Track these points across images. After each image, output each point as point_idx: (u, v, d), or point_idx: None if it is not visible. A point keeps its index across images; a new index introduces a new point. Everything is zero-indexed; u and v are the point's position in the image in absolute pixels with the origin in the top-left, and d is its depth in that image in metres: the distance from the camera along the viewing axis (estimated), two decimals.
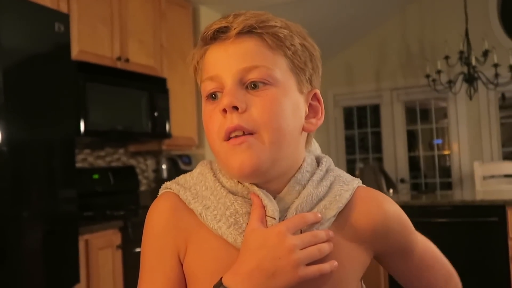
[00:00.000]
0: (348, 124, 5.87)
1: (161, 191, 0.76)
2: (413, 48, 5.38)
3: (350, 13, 4.81)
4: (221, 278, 0.65)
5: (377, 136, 5.73)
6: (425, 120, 5.63)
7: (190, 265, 0.70)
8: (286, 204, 0.70)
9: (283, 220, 0.68)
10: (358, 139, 5.88)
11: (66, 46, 2.22)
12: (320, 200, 0.71)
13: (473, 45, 4.50)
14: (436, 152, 5.61)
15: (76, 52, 2.66)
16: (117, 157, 3.47)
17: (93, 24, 2.85)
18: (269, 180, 0.70)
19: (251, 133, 0.66)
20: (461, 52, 4.48)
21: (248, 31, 0.68)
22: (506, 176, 4.47)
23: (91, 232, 2.46)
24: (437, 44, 5.05)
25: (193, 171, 0.77)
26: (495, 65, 4.32)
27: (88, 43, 2.80)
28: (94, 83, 2.77)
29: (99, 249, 2.50)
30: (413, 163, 5.61)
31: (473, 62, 4.43)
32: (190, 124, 3.67)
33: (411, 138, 5.64)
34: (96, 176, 3.11)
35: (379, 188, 4.30)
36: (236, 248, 0.67)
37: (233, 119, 0.66)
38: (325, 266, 0.65)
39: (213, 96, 0.70)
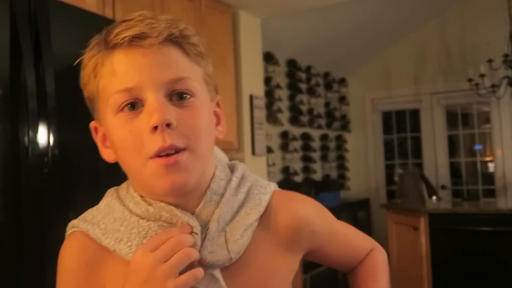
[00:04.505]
0: (386, 129, 5.78)
1: (68, 231, 0.72)
2: (454, 51, 5.26)
3: (388, 16, 4.74)
4: None
5: (417, 141, 5.62)
6: (465, 125, 5.49)
7: None
8: (207, 217, 0.66)
9: (205, 234, 0.65)
10: (397, 144, 5.78)
11: None
12: (240, 207, 0.69)
13: None
14: (478, 158, 5.46)
15: None
16: None
17: None
18: (188, 195, 0.67)
19: (183, 149, 0.62)
20: (505, 55, 4.35)
21: (168, 39, 0.64)
22: None
23: None
24: (479, 47, 4.92)
25: (100, 203, 0.73)
26: None
27: None
28: None
29: None
30: (454, 169, 5.47)
31: None
32: (230, 129, 3.68)
33: (451, 144, 5.51)
34: None
35: (420, 195, 4.21)
36: None
37: (166, 138, 0.61)
38: (198, 270, 0.61)
39: (130, 107, 0.63)
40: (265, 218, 0.70)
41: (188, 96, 0.64)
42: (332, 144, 5.76)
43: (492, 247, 3.16)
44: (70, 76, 2.15)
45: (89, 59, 0.67)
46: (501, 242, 3.12)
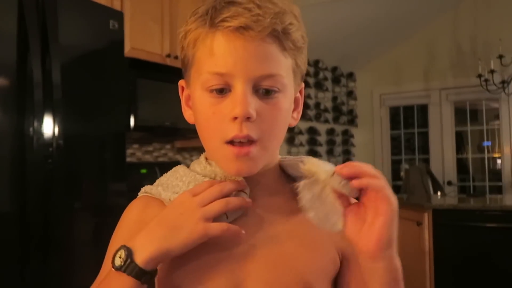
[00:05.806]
0: (394, 124, 5.76)
1: (139, 194, 0.78)
2: (465, 46, 5.21)
3: (399, 11, 4.70)
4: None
5: (424, 136, 5.59)
6: (474, 121, 5.45)
7: None
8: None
9: None
10: (404, 139, 5.76)
11: (119, 43, 2.27)
12: None
13: None
14: (486, 155, 5.42)
15: (128, 49, 2.72)
16: (164, 153, 3.53)
17: (145, 22, 2.91)
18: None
19: (255, 141, 0.66)
20: None
21: (270, 33, 0.65)
22: None
23: None
24: (490, 42, 4.87)
25: (169, 171, 0.79)
26: None
27: (139, 41, 2.86)
28: (144, 80, 2.83)
29: None
30: (461, 166, 5.44)
31: None
32: None
33: (459, 140, 5.47)
34: (143, 171, 3.17)
35: (426, 190, 4.20)
36: None
37: (243, 128, 0.64)
38: (228, 225, 0.65)
39: (218, 91, 0.66)
40: None
41: (272, 92, 0.66)
42: (338, 139, 5.75)
43: (497, 244, 3.15)
44: (76, 67, 2.17)
45: (192, 30, 0.69)
46: (506, 239, 3.11)
